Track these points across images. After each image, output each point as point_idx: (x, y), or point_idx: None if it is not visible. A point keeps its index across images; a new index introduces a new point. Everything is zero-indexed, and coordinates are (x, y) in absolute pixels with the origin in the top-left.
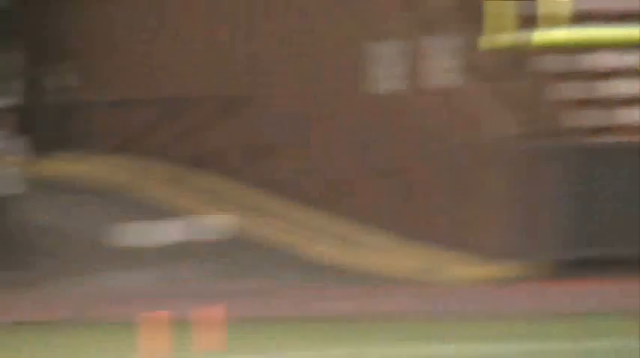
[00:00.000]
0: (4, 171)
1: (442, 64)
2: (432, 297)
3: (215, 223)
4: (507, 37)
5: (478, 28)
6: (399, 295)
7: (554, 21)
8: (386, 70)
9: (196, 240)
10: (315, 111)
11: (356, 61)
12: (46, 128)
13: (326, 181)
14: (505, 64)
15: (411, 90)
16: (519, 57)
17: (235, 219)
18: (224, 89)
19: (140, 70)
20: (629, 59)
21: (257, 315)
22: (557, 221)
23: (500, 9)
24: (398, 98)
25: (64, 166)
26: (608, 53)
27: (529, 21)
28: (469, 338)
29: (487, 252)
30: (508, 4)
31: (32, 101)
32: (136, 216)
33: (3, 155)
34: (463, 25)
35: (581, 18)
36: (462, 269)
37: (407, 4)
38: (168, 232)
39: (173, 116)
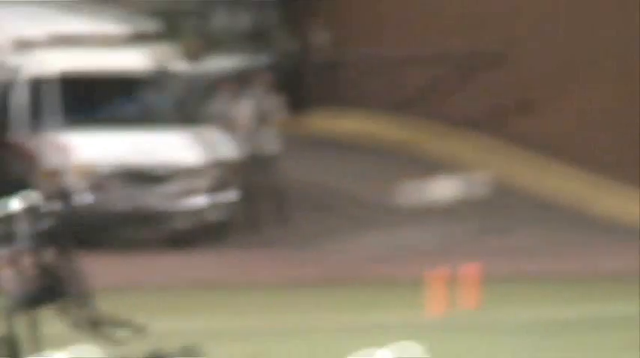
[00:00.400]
0: (264, 129)
1: None
2: None
3: (482, 179)
4: None
5: None
6: None
7: None
8: None
9: (466, 197)
10: (576, 68)
11: (619, 18)
12: (304, 86)
13: (584, 138)
14: None
15: None
16: None
17: (503, 175)
18: (487, 45)
19: (399, 28)
20: None
21: (523, 272)
22: None
23: None
24: None
25: (328, 123)
26: None
27: None
28: None
29: None
30: None
31: (290, 59)
32: (408, 173)
33: (262, 114)
34: None
35: None
36: None
37: None
38: (439, 189)
39: (438, 73)
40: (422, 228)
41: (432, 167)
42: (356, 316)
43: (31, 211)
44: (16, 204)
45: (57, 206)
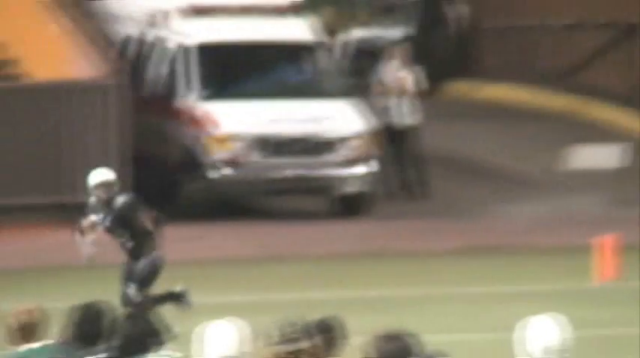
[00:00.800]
0: (409, 99)
1: None
2: None
3: (633, 149)
4: None
5: None
6: None
7: None
8: None
9: (616, 166)
10: None
11: None
12: (446, 56)
13: None
14: None
15: None
16: None
17: None
18: (623, 16)
19: None
20: None
21: None
22: None
23: None
24: None
25: (470, 92)
26: None
27: None
28: None
29: None
30: None
31: (432, 30)
32: (555, 141)
33: (406, 83)
34: None
35: None
36: None
37: None
38: (587, 158)
39: (569, 43)
40: (571, 196)
41: (579, 135)
42: (504, 285)
43: (110, 185)
44: (104, 175)
45: (215, 174)
